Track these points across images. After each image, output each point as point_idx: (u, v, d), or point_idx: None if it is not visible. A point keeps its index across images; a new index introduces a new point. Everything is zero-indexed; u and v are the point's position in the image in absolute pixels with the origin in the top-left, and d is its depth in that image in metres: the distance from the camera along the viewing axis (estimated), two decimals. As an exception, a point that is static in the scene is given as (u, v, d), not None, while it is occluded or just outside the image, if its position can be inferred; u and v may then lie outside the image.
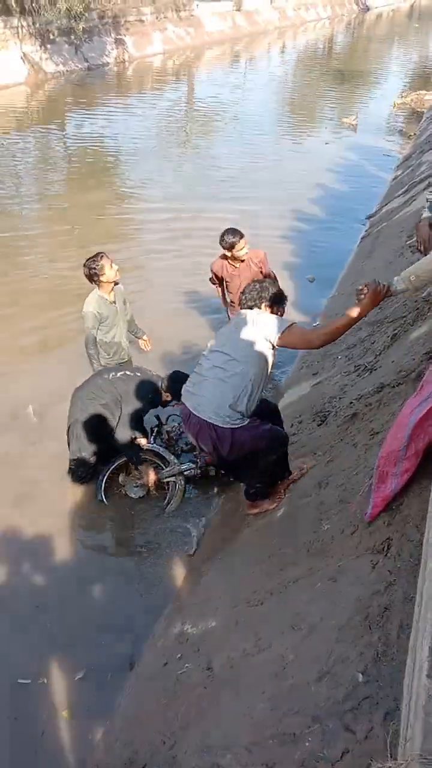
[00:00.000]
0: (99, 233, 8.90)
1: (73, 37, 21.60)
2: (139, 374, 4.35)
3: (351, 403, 3.92)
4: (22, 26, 19.58)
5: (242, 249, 4.85)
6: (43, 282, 7.45)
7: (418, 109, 17.46)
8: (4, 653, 3.38)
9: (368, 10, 55.95)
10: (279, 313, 3.43)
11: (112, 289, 4.59)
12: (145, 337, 5.15)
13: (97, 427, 4.29)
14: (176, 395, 4.23)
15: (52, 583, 3.80)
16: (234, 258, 4.94)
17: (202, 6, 31.27)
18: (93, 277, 4.45)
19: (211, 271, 5.26)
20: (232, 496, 4.33)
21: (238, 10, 34.93)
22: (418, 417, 2.31)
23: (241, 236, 4.82)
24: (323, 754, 1.74)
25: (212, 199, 10.37)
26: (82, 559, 4.00)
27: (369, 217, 9.76)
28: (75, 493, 4.48)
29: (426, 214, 3.54)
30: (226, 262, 5.06)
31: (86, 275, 4.47)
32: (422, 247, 3.39)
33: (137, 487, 4.44)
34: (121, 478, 4.53)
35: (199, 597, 3.39)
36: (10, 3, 19.14)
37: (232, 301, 5.33)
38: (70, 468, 4.49)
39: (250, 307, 3.39)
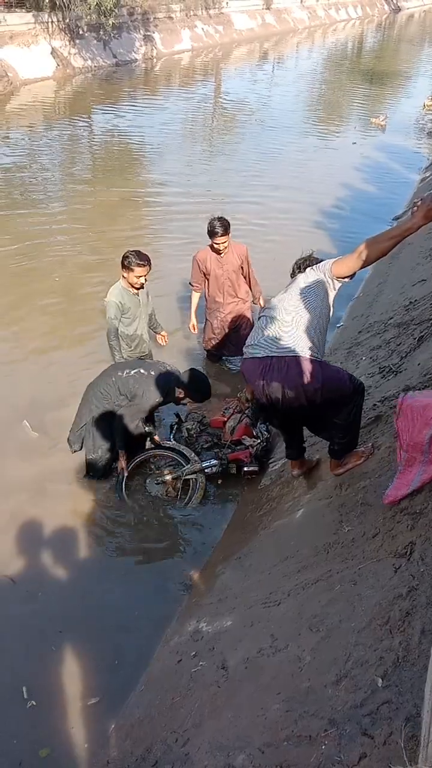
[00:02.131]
0: (118, 229, 8.87)
1: (102, 32, 21.70)
2: (153, 372, 4.26)
3: (375, 405, 3.87)
4: (52, 21, 19.72)
5: (223, 243, 5.15)
6: (54, 284, 7.38)
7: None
8: (18, 647, 3.39)
9: (399, 10, 55.53)
10: None
11: (135, 286, 4.62)
12: (163, 332, 5.17)
13: (111, 426, 4.28)
14: (190, 393, 4.26)
15: (67, 579, 3.79)
16: (216, 246, 5.20)
17: (231, 4, 31.25)
18: (122, 264, 4.52)
19: (196, 261, 5.39)
20: (250, 497, 4.30)
21: (268, 8, 34.87)
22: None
23: (226, 231, 5.11)
24: (339, 758, 1.71)
25: (236, 197, 10.32)
26: (97, 555, 3.98)
27: (396, 219, 9.66)
28: (91, 489, 4.46)
29: None
30: (211, 253, 5.30)
31: (122, 257, 4.54)
32: None
33: (158, 484, 4.43)
34: (147, 482, 4.52)
35: (215, 596, 3.36)
36: (41, -2, 19.31)
37: (209, 307, 5.57)
38: (87, 465, 4.48)
39: (302, 271, 3.39)
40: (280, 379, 3.13)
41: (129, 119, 15.73)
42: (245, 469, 4.40)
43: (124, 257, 4.50)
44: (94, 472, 4.48)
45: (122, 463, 4.35)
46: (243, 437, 4.56)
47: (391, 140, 14.58)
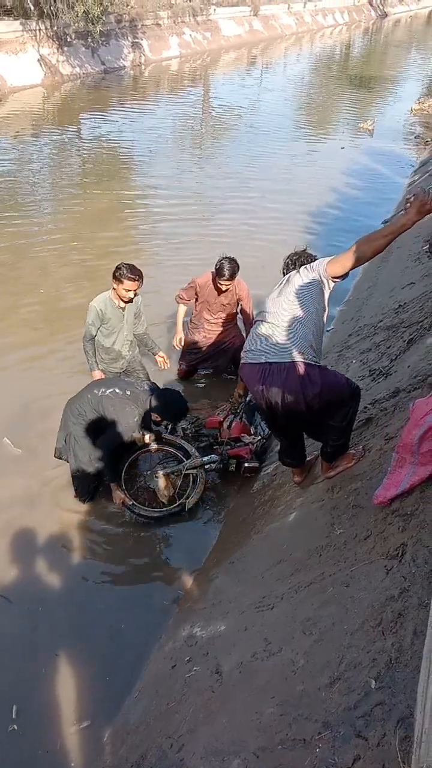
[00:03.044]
0: (105, 237, 8.80)
1: (90, 40, 21.70)
2: (128, 392, 4.17)
3: (366, 407, 3.89)
4: (39, 29, 19.70)
5: (227, 285, 5.08)
6: (39, 294, 7.18)
7: (436, 115, 17.40)
8: (12, 653, 3.37)
9: (386, 16, 55.89)
10: None
11: (123, 299, 4.59)
12: (161, 354, 5.08)
13: (88, 444, 4.19)
14: (166, 416, 4.23)
15: (59, 585, 3.78)
16: (219, 285, 5.11)
17: (219, 11, 31.37)
18: (114, 273, 4.48)
19: (194, 284, 5.27)
20: (243, 501, 4.30)
21: (255, 15, 35.00)
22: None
23: (233, 276, 5.02)
24: (334, 761, 1.71)
25: (224, 202, 10.35)
26: (89, 565, 3.96)
27: (385, 222, 9.71)
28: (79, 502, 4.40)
29: None
30: (211, 284, 5.18)
31: (115, 268, 4.51)
32: None
33: (157, 478, 4.37)
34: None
35: (208, 601, 3.36)
36: (29, 7, 19.28)
37: (193, 322, 5.49)
38: (73, 483, 4.36)
39: (296, 268, 3.38)
40: (279, 384, 3.13)
41: (118, 126, 15.73)
42: (246, 465, 4.37)
43: (117, 268, 4.47)
44: (80, 491, 4.34)
45: (118, 494, 4.20)
46: (242, 435, 4.58)
47: (379, 144, 14.66)
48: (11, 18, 19.53)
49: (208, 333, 5.46)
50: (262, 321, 3.32)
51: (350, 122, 17.22)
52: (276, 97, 20.76)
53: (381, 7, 55.86)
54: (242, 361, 3.34)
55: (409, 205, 2.92)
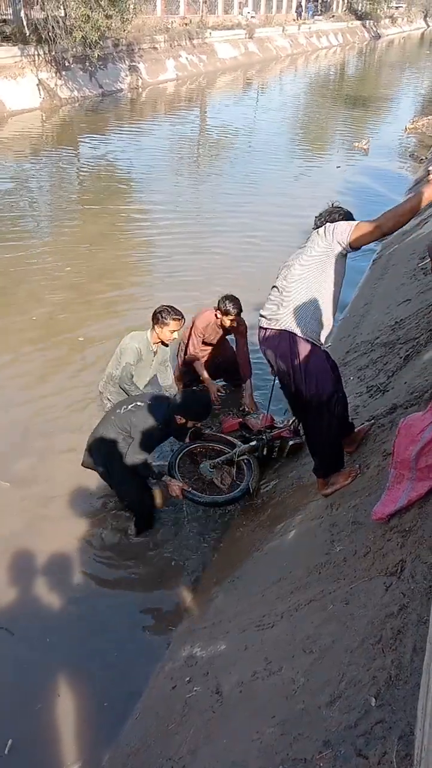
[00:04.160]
0: (99, 262, 8.74)
1: (87, 64, 22.05)
2: (149, 402, 4.18)
3: (363, 424, 3.90)
4: (38, 54, 20.02)
5: (229, 322, 5.02)
6: (31, 322, 7.04)
7: (430, 134, 17.61)
8: (13, 670, 3.35)
9: (379, 37, 56.79)
10: None
11: (159, 344, 4.60)
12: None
13: (131, 470, 4.13)
14: (190, 416, 4.20)
15: (55, 609, 3.75)
16: (225, 323, 5.05)
17: (215, 34, 31.88)
18: (155, 318, 4.45)
19: (198, 331, 5.13)
20: (242, 519, 4.30)
21: (251, 37, 35.59)
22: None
23: (241, 309, 4.98)
24: (335, 781, 1.70)
25: (221, 223, 10.40)
26: (87, 583, 3.93)
27: (380, 240, 9.79)
28: (76, 526, 4.35)
29: None
30: (215, 319, 5.09)
31: (154, 312, 4.47)
32: None
33: (213, 468, 4.42)
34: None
35: (208, 620, 3.35)
36: (27, 32, 19.63)
37: (190, 356, 5.26)
38: (134, 519, 4.28)
39: (320, 226, 3.36)
40: (273, 348, 3.26)
41: (115, 147, 15.92)
42: (291, 443, 4.43)
43: (159, 311, 4.47)
44: (141, 521, 4.23)
45: (174, 485, 4.09)
46: (273, 422, 4.70)
47: (375, 163, 14.82)
48: (10, 44, 19.87)
49: (206, 356, 5.37)
50: (276, 287, 3.34)
51: (345, 142, 17.43)
52: (272, 118, 21.03)
53: (374, 29, 56.80)
54: (259, 325, 3.41)
55: (431, 177, 2.94)
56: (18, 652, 3.48)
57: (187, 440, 4.60)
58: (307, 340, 3.18)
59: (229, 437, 4.63)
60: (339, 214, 3.41)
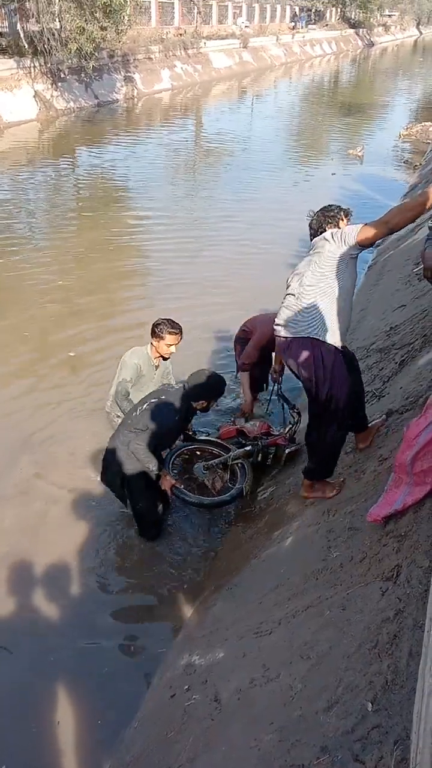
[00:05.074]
0: (94, 275, 8.70)
1: (83, 75, 22.18)
2: (163, 397, 4.13)
3: (374, 420, 3.90)
4: (34, 66, 20.15)
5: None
6: (23, 338, 6.90)
7: (424, 141, 17.71)
8: (15, 679, 3.34)
9: (373, 45, 57.17)
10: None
11: (159, 358, 4.60)
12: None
13: (147, 479, 4.12)
14: (210, 395, 4.13)
15: (54, 619, 3.74)
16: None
17: (209, 43, 32.09)
18: (152, 332, 4.47)
19: (260, 339, 4.86)
20: (240, 527, 4.30)
21: (245, 47, 35.81)
22: (426, 439, 2.33)
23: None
24: (332, 786, 1.71)
25: (216, 236, 10.35)
26: (85, 592, 3.92)
27: (376, 246, 9.83)
28: (75, 535, 4.35)
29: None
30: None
31: (152, 325, 4.47)
32: (429, 275, 3.40)
33: (206, 470, 4.46)
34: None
35: (207, 628, 3.35)
36: (23, 45, 19.76)
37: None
38: (138, 524, 4.26)
39: (322, 231, 3.40)
40: (294, 357, 3.31)
41: (111, 158, 15.99)
42: (287, 450, 4.47)
43: (156, 324, 4.45)
44: (149, 533, 4.23)
45: (166, 484, 4.08)
46: (270, 429, 4.73)
47: (369, 170, 14.90)
48: (6, 56, 20.00)
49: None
50: (289, 294, 3.38)
51: (340, 149, 17.53)
52: (267, 126, 21.15)
53: (367, 37, 57.19)
54: (275, 333, 3.47)
55: None
56: (15, 667, 3.45)
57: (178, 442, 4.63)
58: (327, 345, 3.24)
59: (224, 443, 4.66)
60: (332, 217, 3.48)
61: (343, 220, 3.49)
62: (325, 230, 3.38)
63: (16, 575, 3.98)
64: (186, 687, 2.81)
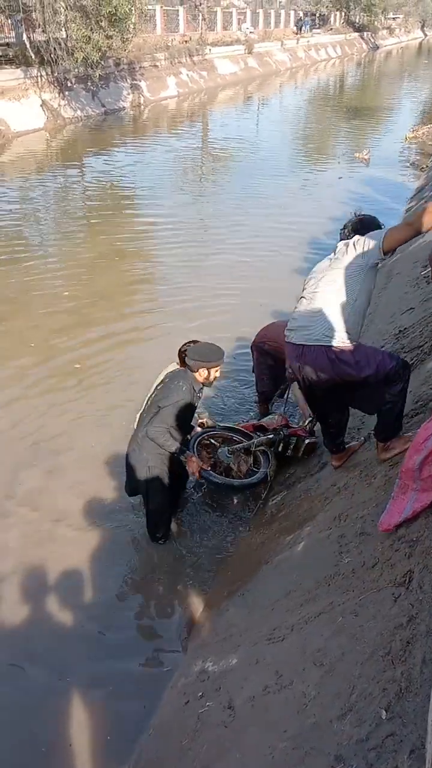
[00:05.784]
0: (99, 285, 8.66)
1: (90, 83, 22.31)
2: (167, 380, 4.10)
3: (369, 434, 3.90)
4: (41, 75, 20.30)
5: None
6: (28, 349, 6.87)
7: (430, 143, 17.67)
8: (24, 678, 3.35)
9: (377, 48, 57.16)
10: None
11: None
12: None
13: (167, 479, 4.12)
14: (206, 363, 4.05)
15: (67, 627, 3.75)
16: None
17: (214, 50, 32.19)
18: (183, 355, 4.13)
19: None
20: (252, 532, 4.29)
21: (250, 52, 35.89)
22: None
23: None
24: (347, 795, 1.70)
25: (224, 243, 10.34)
26: (97, 600, 3.93)
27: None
28: (80, 540, 4.35)
29: None
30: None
31: (179, 351, 4.18)
32: None
33: (230, 455, 4.49)
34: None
35: (219, 634, 3.34)
36: (30, 55, 19.91)
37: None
38: (151, 529, 4.28)
39: (348, 236, 3.40)
40: (311, 364, 3.31)
41: (119, 165, 16.06)
42: (307, 441, 4.51)
43: (180, 351, 4.22)
44: (158, 532, 4.24)
45: (193, 466, 4.08)
46: (288, 422, 4.80)
47: (376, 173, 14.88)
48: (13, 66, 20.16)
49: None
50: (303, 297, 3.38)
51: (347, 152, 17.52)
52: (273, 131, 21.17)
53: (372, 40, 57.17)
54: (286, 338, 3.47)
55: None
56: (28, 683, 3.43)
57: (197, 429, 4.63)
58: (344, 345, 3.23)
59: (246, 431, 4.73)
60: (365, 221, 3.45)
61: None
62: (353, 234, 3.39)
63: (25, 590, 3.98)
64: (200, 694, 2.80)
